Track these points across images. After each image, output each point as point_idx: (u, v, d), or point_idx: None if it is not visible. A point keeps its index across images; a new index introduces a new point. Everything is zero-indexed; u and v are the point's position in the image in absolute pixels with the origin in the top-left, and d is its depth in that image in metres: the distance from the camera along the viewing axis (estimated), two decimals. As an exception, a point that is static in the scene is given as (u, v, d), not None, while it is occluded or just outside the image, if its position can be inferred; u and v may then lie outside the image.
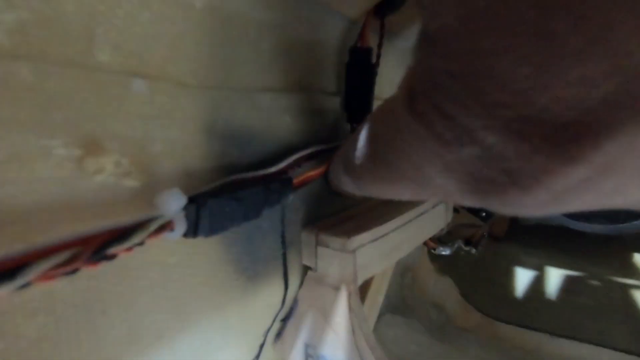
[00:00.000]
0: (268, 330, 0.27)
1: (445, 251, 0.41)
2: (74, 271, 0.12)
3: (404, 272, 0.46)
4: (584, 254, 0.61)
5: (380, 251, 0.27)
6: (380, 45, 0.26)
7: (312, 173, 0.24)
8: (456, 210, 0.44)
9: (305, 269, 0.27)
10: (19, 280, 0.10)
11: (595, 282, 0.53)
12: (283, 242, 0.25)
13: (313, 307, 0.26)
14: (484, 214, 0.51)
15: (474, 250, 0.51)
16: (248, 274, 0.22)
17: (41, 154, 0.13)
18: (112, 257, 0.13)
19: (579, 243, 0.64)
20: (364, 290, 0.32)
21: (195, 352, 0.20)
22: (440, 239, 0.42)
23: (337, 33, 0.26)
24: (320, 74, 0.25)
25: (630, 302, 0.48)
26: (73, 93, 0.13)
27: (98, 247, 0.12)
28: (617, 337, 0.41)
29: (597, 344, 0.39)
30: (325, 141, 0.26)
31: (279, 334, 0.28)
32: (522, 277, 0.55)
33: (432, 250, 0.42)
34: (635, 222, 0.56)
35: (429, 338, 0.43)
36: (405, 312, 0.46)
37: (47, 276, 0.11)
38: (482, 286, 0.50)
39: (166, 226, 0.15)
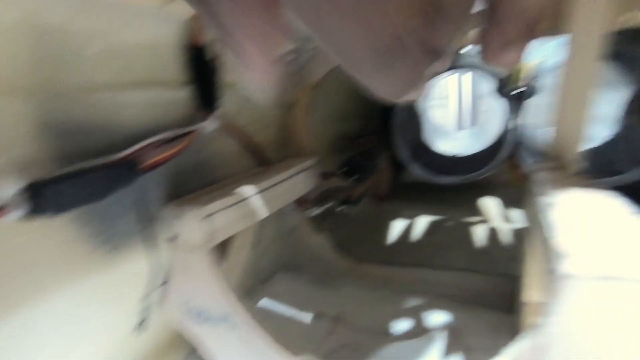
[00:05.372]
0: (147, 296, 0.31)
1: (315, 211, 0.49)
2: None
3: (290, 233, 0.52)
4: (449, 202, 0.75)
5: (237, 214, 0.32)
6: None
7: (166, 154, 0.28)
8: (326, 177, 0.52)
9: (170, 238, 0.31)
10: None
11: (449, 223, 0.66)
12: (140, 218, 0.28)
13: (181, 270, 0.31)
14: (357, 176, 0.59)
15: (352, 208, 0.60)
16: (106, 247, 0.26)
17: None
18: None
19: (447, 194, 0.77)
20: (228, 245, 0.37)
21: (67, 318, 0.24)
22: (314, 201, 0.49)
23: (171, 32, 0.29)
24: (162, 69, 0.29)
25: (469, 234, 0.61)
26: None
27: None
28: (456, 261, 0.53)
29: (440, 269, 0.50)
30: (181, 126, 0.30)
31: (161, 298, 0.33)
32: (398, 228, 0.65)
33: (306, 211, 0.49)
34: (478, 172, 0.71)
35: (313, 286, 0.51)
36: (294, 269, 0.53)
37: None
38: (361, 239, 0.60)
39: (3, 210, 0.18)
